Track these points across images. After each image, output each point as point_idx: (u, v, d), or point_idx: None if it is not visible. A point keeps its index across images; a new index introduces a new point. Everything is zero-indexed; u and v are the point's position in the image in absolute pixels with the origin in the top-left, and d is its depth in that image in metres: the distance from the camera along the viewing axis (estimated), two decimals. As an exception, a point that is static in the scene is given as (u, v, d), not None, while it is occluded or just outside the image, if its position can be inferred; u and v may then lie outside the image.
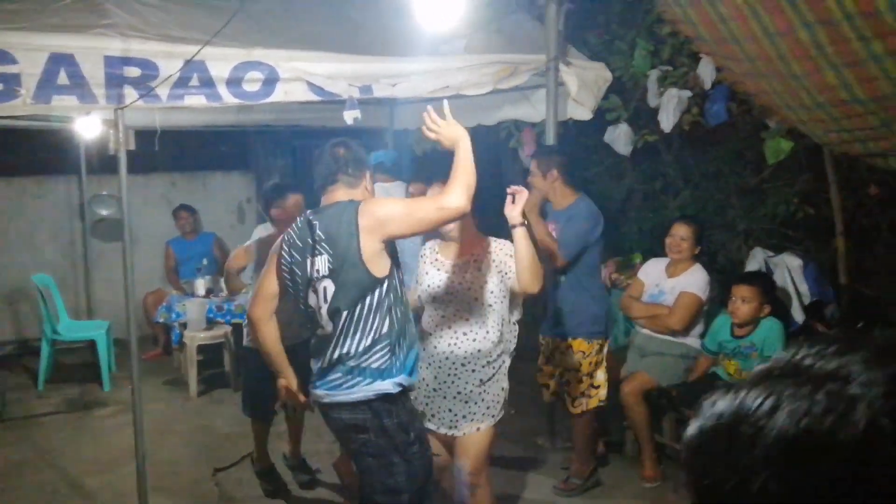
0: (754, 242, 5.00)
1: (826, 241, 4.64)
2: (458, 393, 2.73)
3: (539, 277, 2.63)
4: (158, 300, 5.96)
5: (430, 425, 2.79)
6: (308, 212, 2.46)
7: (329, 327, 2.36)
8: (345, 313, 2.31)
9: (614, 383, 3.93)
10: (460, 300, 2.72)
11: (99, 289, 6.76)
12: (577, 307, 3.61)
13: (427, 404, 2.80)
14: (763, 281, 3.61)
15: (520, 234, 2.61)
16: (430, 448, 2.57)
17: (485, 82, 3.71)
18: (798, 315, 3.76)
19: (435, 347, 2.75)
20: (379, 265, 2.30)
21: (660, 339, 3.91)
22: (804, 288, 3.80)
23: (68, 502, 3.72)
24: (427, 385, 2.78)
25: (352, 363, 2.33)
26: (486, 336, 2.70)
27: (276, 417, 3.85)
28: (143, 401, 3.30)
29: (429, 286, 2.80)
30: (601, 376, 3.68)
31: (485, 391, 2.73)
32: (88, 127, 3.89)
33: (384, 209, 2.33)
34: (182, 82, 2.87)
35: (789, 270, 3.83)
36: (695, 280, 3.82)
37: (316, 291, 2.37)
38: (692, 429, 0.59)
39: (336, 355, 2.35)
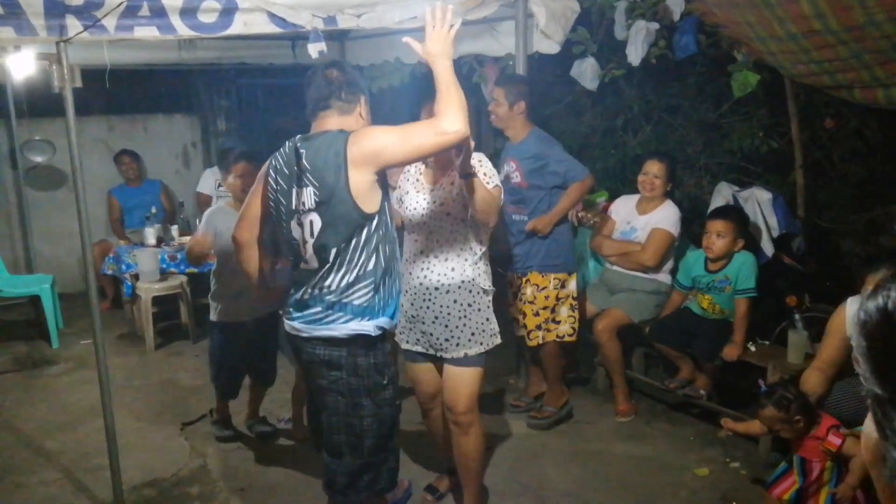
0: (713, 178, 5.04)
1: (784, 175, 4.71)
2: (436, 317, 2.69)
3: (494, 210, 2.61)
4: (104, 251, 5.66)
5: (416, 347, 2.77)
6: (297, 137, 2.28)
7: (314, 263, 2.23)
8: (333, 250, 2.18)
9: (585, 322, 3.94)
10: (438, 224, 2.67)
11: (38, 241, 6.38)
12: (533, 241, 3.65)
13: (409, 330, 2.78)
14: (737, 215, 3.62)
15: (477, 182, 2.49)
16: (397, 402, 2.48)
17: (454, 12, 3.53)
18: (768, 248, 3.81)
19: (410, 273, 2.71)
20: (370, 200, 2.16)
21: (631, 276, 3.92)
22: (773, 221, 3.84)
23: (30, 464, 3.55)
24: (405, 312, 2.75)
25: (332, 298, 2.22)
26: (459, 257, 2.66)
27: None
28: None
29: (408, 207, 2.73)
30: (564, 312, 3.70)
31: (466, 316, 2.68)
32: (19, 65, 3.53)
33: (376, 139, 2.15)
34: (130, 12, 2.61)
35: (759, 204, 3.86)
36: (667, 216, 3.82)
37: (301, 224, 2.23)
38: (874, 301, 0.66)
39: (317, 289, 2.23)
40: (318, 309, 2.24)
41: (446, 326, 2.68)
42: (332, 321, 2.23)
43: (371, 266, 2.21)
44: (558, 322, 3.69)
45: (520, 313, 3.77)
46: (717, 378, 3.71)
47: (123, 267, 5.25)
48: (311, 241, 2.21)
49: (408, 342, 2.81)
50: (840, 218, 4.68)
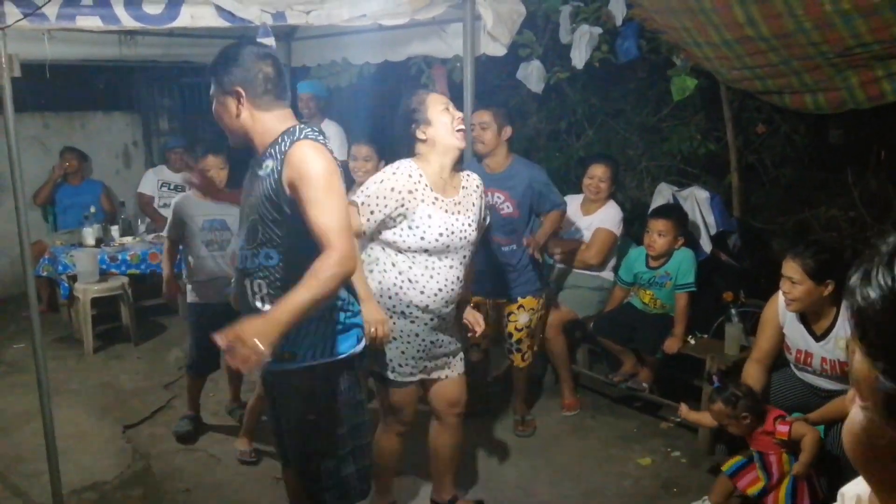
0: (654, 180, 5.21)
1: (720, 177, 4.90)
2: (452, 337, 2.71)
3: None
4: (39, 252, 5.44)
5: (419, 377, 2.66)
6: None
7: None
8: None
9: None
10: (463, 243, 2.55)
11: (-33, 242, 6.10)
12: (522, 266, 3.55)
13: (420, 359, 2.62)
14: (678, 215, 3.75)
15: None
16: None
17: (402, 12, 3.57)
18: (706, 245, 3.96)
19: (429, 298, 2.52)
20: None
21: (576, 273, 4.01)
22: (711, 219, 4.00)
23: (-40, 472, 3.41)
24: (421, 340, 2.58)
25: None
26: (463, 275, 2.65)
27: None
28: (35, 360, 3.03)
29: (439, 230, 2.47)
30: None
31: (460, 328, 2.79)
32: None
33: None
34: (73, 0, 2.56)
35: (698, 203, 4.02)
36: (609, 217, 3.92)
37: None
38: (876, 291, 0.55)
39: None
40: None
41: (457, 343, 2.75)
42: None
43: None
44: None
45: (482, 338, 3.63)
46: (658, 371, 3.83)
47: (60, 268, 5.07)
48: None
49: (412, 374, 2.63)
50: (771, 219, 4.90)
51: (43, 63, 3.22)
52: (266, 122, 2.01)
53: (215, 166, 3.49)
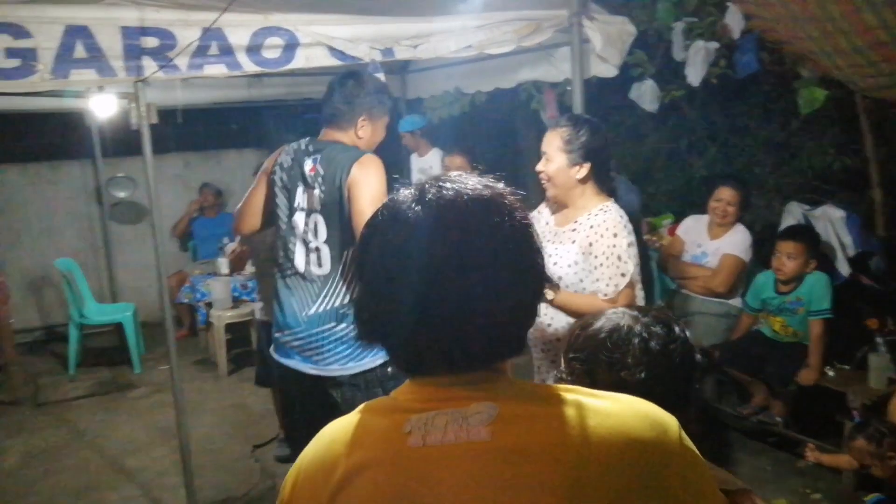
0: (784, 199, 4.88)
1: (860, 193, 4.52)
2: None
3: None
4: (181, 281, 5.93)
5: None
6: (307, 139, 2.61)
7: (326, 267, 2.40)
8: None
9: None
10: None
11: (120, 272, 6.74)
12: None
13: None
14: (809, 236, 3.49)
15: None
16: None
17: (507, 40, 3.59)
18: (843, 268, 3.66)
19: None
20: None
21: (700, 300, 3.81)
22: (848, 240, 3.68)
23: (111, 482, 3.73)
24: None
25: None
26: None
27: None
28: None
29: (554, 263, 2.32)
30: None
31: None
32: (102, 105, 3.79)
33: (370, 184, 2.32)
34: (201, 51, 2.77)
35: (832, 223, 3.72)
36: (738, 241, 3.70)
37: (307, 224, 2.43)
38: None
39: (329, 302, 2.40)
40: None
41: None
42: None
43: None
44: None
45: None
46: (793, 404, 3.55)
47: (198, 296, 5.47)
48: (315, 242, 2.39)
49: None
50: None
51: (181, 108, 3.54)
52: None
53: None
